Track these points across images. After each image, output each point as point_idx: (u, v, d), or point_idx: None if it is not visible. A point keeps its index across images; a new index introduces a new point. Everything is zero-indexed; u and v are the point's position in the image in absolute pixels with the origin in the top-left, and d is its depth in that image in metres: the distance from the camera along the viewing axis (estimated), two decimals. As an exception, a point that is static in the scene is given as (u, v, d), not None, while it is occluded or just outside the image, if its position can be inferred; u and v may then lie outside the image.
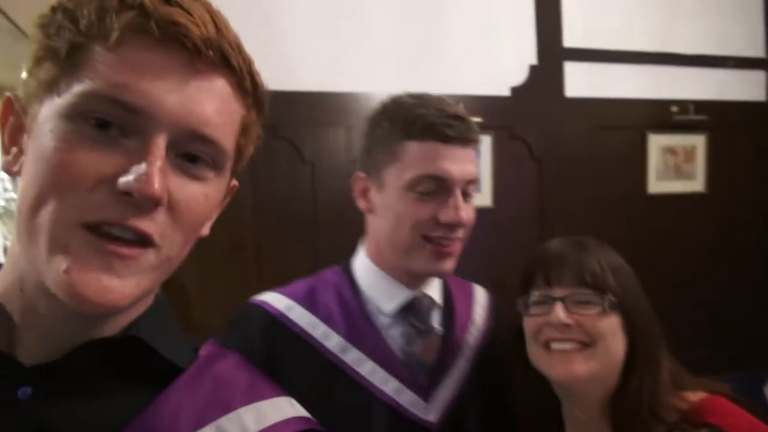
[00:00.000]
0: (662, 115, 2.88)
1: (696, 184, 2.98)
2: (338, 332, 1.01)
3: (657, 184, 2.90)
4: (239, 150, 0.59)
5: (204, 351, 0.65)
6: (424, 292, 1.06)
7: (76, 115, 0.49)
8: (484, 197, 2.60)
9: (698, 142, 2.97)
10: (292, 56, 2.35)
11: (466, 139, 0.99)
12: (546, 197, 2.70)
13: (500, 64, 2.64)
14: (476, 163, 1.02)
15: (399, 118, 0.99)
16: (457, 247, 1.01)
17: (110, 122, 0.49)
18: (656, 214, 2.89)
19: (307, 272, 1.17)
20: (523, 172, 2.68)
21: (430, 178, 0.97)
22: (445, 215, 0.97)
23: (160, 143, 0.49)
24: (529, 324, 0.97)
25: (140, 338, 0.56)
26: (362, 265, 1.09)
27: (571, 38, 2.75)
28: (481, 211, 2.53)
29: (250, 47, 2.18)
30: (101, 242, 0.48)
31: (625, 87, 2.85)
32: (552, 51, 2.72)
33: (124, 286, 0.50)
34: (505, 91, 2.65)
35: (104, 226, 0.49)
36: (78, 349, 0.53)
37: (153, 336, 0.57)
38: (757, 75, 3.10)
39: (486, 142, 2.58)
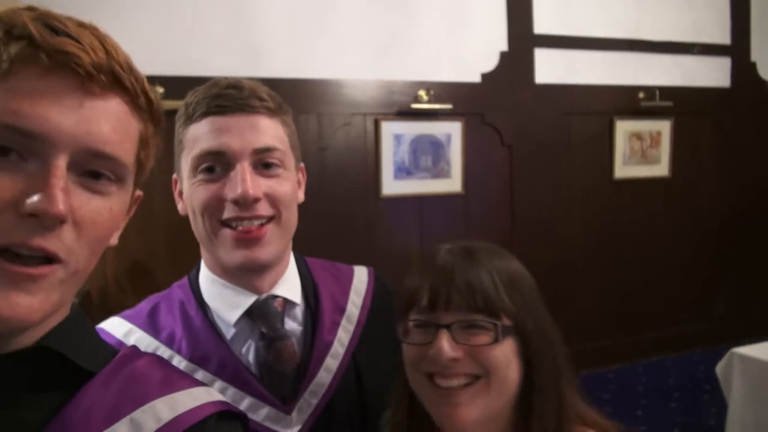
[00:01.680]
0: (629, 101, 2.95)
1: (661, 168, 3.06)
2: (182, 354, 0.91)
3: (623, 169, 2.97)
4: (139, 163, 0.63)
5: (122, 352, 0.66)
6: (274, 293, 0.95)
7: None
8: (454, 184, 2.63)
9: (664, 127, 3.04)
10: (262, 44, 2.33)
11: (245, 106, 0.88)
12: (516, 183, 2.75)
13: (471, 50, 2.66)
14: (271, 132, 0.90)
15: (182, 108, 0.93)
16: (265, 229, 0.89)
17: (9, 148, 0.51)
18: (622, 198, 2.97)
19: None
20: (493, 158, 2.72)
21: (207, 154, 0.87)
22: (229, 190, 0.86)
23: (61, 164, 0.52)
24: (409, 353, 0.82)
25: (51, 348, 0.58)
26: (203, 275, 0.98)
27: (541, 25, 2.78)
28: (451, 198, 2.62)
29: (220, 37, 2.13)
30: (7, 264, 0.50)
31: (594, 73, 2.91)
32: (522, 37, 2.75)
33: (32, 301, 0.52)
34: (475, 78, 2.67)
35: (12, 247, 0.50)
36: None
37: (66, 345, 0.59)
38: (722, 61, 3.19)
39: (456, 128, 2.61)
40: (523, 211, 2.76)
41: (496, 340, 0.76)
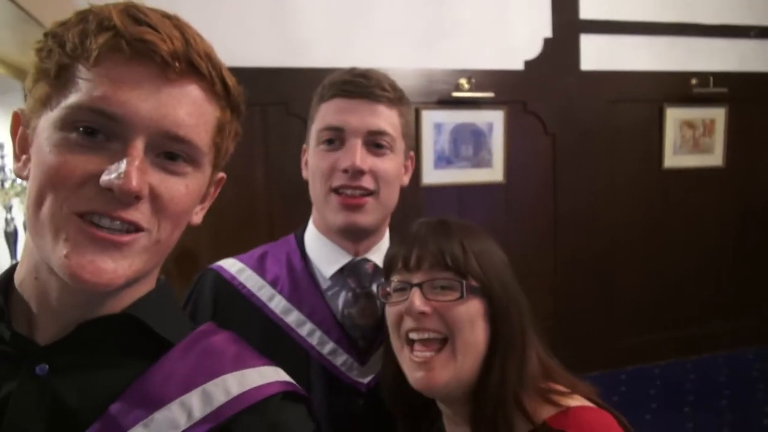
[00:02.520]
0: (681, 88, 2.83)
1: (714, 158, 2.93)
2: (283, 295, 1.06)
3: (673, 158, 2.85)
4: (216, 147, 0.66)
5: (200, 328, 0.71)
6: (367, 257, 1.08)
7: (65, 125, 0.56)
8: (495, 173, 2.59)
9: (718, 115, 2.91)
10: (303, 33, 2.34)
11: (370, 93, 1.02)
12: (559, 172, 2.69)
13: (513, 37, 2.61)
14: (388, 118, 1.04)
15: (319, 89, 1.08)
16: (365, 200, 1.03)
17: (96, 129, 0.56)
18: (672, 188, 2.86)
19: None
20: (536, 147, 2.66)
21: (329, 128, 1.03)
22: (342, 161, 1.01)
23: (139, 145, 0.56)
24: (390, 313, 0.92)
25: (136, 316, 0.63)
26: (309, 232, 1.13)
27: (587, 10, 2.69)
28: (492, 187, 2.59)
29: (261, 26, 2.16)
30: (94, 231, 0.56)
31: (642, 59, 2.80)
32: (568, 23, 2.67)
33: (117, 267, 0.57)
34: (518, 65, 2.62)
35: (95, 216, 0.56)
36: (82, 325, 0.60)
37: (150, 315, 0.64)
38: (782, 45, 3.02)
39: (498, 117, 2.57)
40: (566, 201, 2.69)
41: (461, 297, 0.84)
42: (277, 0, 2.31)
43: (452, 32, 2.52)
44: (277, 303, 1.06)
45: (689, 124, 2.87)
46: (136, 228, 0.58)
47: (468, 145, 2.55)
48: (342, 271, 1.07)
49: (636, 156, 2.80)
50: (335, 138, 1.03)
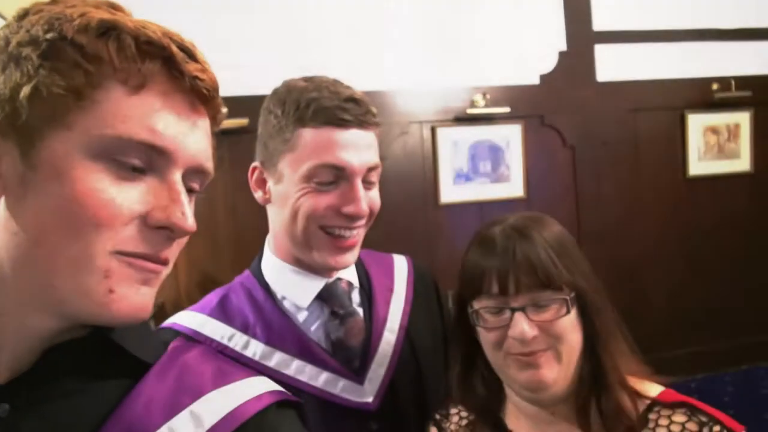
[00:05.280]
0: (702, 94, 2.78)
1: (741, 163, 2.86)
2: (258, 339, 0.97)
3: (698, 165, 2.80)
4: None
5: (172, 345, 0.67)
6: (339, 276, 1.03)
7: (105, 156, 0.51)
8: (515, 188, 2.57)
9: (743, 119, 2.85)
10: (317, 59, 2.37)
11: (363, 122, 0.92)
12: (581, 185, 2.65)
13: (528, 51, 2.61)
14: (376, 149, 0.96)
15: (291, 104, 0.93)
16: (357, 239, 0.97)
17: (138, 163, 0.53)
18: (698, 196, 2.80)
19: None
20: (555, 160, 2.64)
21: (328, 167, 0.91)
22: (347, 207, 0.92)
23: (179, 179, 0.55)
24: (488, 337, 0.88)
25: (106, 336, 0.58)
26: (269, 263, 1.04)
27: (601, 21, 2.68)
28: (513, 203, 2.56)
29: (275, 54, 2.17)
30: (136, 261, 0.53)
31: (660, 67, 2.77)
32: (581, 35, 2.66)
33: (152, 295, 0.56)
34: (534, 79, 2.61)
35: (138, 258, 0.53)
36: (46, 353, 0.55)
37: (119, 334, 0.59)
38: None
39: (515, 131, 2.55)
40: (589, 213, 2.65)
41: (568, 312, 0.84)
42: (291, 25, 2.36)
43: (465, 49, 2.53)
44: (254, 349, 0.96)
45: (713, 130, 2.82)
46: (164, 263, 0.56)
47: (486, 161, 2.54)
48: (319, 297, 1.00)
49: (659, 165, 2.75)
50: (335, 178, 0.92)
